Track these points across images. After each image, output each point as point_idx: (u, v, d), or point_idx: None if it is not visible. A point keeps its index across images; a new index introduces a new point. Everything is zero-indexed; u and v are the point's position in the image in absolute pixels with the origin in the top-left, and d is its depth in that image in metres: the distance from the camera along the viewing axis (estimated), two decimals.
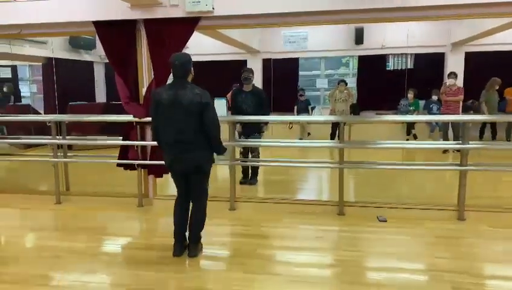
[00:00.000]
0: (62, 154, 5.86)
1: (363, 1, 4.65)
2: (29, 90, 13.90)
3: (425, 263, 3.67)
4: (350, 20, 5.61)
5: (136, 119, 5.14)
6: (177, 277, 3.51)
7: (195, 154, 3.59)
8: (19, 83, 13.26)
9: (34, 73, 13.72)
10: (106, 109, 10.71)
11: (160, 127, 3.63)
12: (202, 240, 3.89)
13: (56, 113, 9.24)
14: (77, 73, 11.50)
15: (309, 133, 10.74)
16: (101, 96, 13.12)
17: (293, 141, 8.14)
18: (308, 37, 9.34)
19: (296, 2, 4.77)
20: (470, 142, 4.64)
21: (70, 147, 5.92)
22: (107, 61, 12.44)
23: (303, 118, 10.43)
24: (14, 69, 12.59)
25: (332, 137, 9.72)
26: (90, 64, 12.68)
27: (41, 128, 8.81)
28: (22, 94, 13.27)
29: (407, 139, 9.99)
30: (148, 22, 5.02)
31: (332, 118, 8.94)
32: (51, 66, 10.81)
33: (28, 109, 10.70)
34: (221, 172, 6.88)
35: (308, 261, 3.76)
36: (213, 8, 4.81)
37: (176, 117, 3.51)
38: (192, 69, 3.66)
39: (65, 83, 10.91)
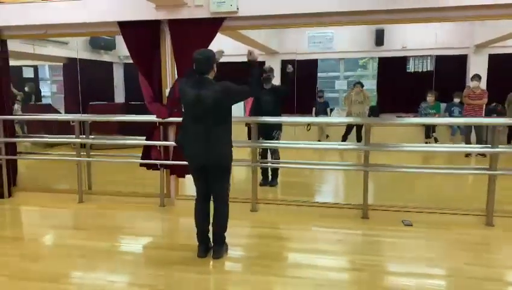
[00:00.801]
0: (85, 153, 5.89)
1: (387, 2, 4.58)
2: (49, 90, 14.12)
3: (454, 269, 3.56)
4: (374, 20, 5.51)
5: (160, 120, 5.14)
6: (200, 278, 3.50)
7: (217, 149, 3.57)
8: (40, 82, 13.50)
9: (53, 73, 13.93)
10: (125, 109, 10.81)
11: (185, 120, 3.64)
12: (226, 241, 3.86)
13: (76, 113, 9.35)
14: (97, 73, 11.61)
15: (327, 135, 10.65)
16: (119, 96, 13.24)
17: (316, 143, 8.07)
18: (334, 37, 9.27)
19: (321, 3, 4.72)
20: (500, 146, 4.54)
21: (89, 146, 5.94)
22: (126, 62, 12.89)
23: (321, 119, 10.34)
24: (35, 69, 12.80)
25: (344, 139, 9.65)
26: (109, 64, 12.81)
27: (62, 127, 8.96)
28: (42, 94, 13.50)
29: (427, 142, 9.85)
30: (172, 23, 5.03)
31: (354, 120, 8.84)
32: (72, 66, 10.96)
33: (49, 108, 10.86)
34: (241, 174, 6.86)
35: (333, 265, 3.71)
36: (237, 9, 4.79)
37: (198, 115, 3.50)
38: (214, 65, 3.64)
39: (85, 83, 11.03)
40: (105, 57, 12.44)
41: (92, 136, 5.89)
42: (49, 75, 13.97)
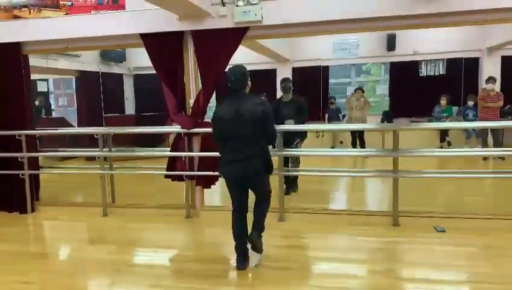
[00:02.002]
0: (108, 166, 5.86)
1: (403, 8, 4.58)
2: (57, 104, 14.20)
3: (496, 276, 3.48)
4: (393, 26, 5.54)
5: (184, 130, 5.13)
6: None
7: (254, 162, 3.56)
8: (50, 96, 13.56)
9: (60, 86, 14.01)
10: (138, 120, 10.83)
11: (224, 141, 3.62)
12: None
13: (89, 125, 9.37)
14: (108, 85, 11.65)
15: (341, 142, 10.61)
16: (130, 108, 13.26)
17: (344, 150, 8.03)
18: (360, 43, 9.23)
19: (344, 10, 4.71)
20: None
21: (105, 158, 5.93)
22: (136, 73, 12.91)
23: (331, 126, 10.23)
24: (47, 82, 12.87)
25: (354, 145, 9.63)
26: (119, 76, 12.84)
27: (74, 140, 8.97)
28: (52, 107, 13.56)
29: (441, 147, 9.80)
30: (196, 33, 5.04)
31: (373, 126, 8.79)
32: (84, 79, 11.00)
33: (61, 122, 10.87)
34: None
35: (367, 274, 3.66)
36: (262, 18, 4.79)
37: (238, 130, 3.49)
38: (249, 80, 3.64)
39: (97, 95, 11.08)
40: (116, 69, 12.48)
41: (115, 149, 5.85)
42: (62, 88, 14.05)
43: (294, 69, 11.72)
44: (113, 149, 5.85)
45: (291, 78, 11.54)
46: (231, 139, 3.55)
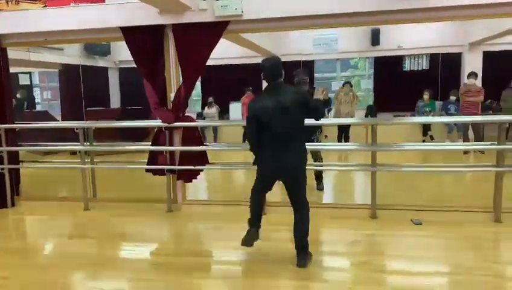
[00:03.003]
0: (89, 160, 5.84)
1: (387, 3, 4.62)
2: (42, 97, 14.04)
3: (466, 267, 3.57)
4: (375, 21, 5.58)
5: (165, 125, 5.12)
6: (215, 282, 3.50)
7: (295, 160, 3.51)
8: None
9: (44, 79, 13.85)
10: (122, 114, 10.76)
11: (265, 134, 3.51)
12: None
13: (73, 119, 9.27)
14: (93, 79, 11.53)
15: (326, 136, 10.68)
16: (115, 101, 13.17)
17: (323, 144, 8.10)
18: (343, 38, 9.25)
19: (324, 5, 4.74)
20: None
21: (87, 152, 5.88)
22: (121, 66, 12.82)
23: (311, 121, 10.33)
24: (29, 75, 12.69)
25: (339, 139, 9.71)
26: (104, 70, 12.73)
27: (58, 134, 8.87)
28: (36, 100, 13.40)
29: (423, 141, 9.94)
30: (176, 27, 5.02)
31: (354, 121, 8.85)
32: (68, 72, 10.88)
33: (45, 115, 10.76)
34: (248, 176, 6.86)
35: (347, 266, 3.72)
36: (242, 12, 4.79)
37: (283, 121, 3.42)
38: (283, 71, 3.57)
39: (81, 88, 10.96)
40: (101, 63, 12.37)
41: (96, 143, 5.82)
42: (38, 81, 13.87)
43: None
44: (94, 143, 5.82)
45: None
46: (272, 132, 3.46)
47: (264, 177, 3.68)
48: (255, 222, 3.78)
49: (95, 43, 11.10)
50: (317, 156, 5.92)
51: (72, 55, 10.79)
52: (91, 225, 5.08)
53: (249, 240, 3.71)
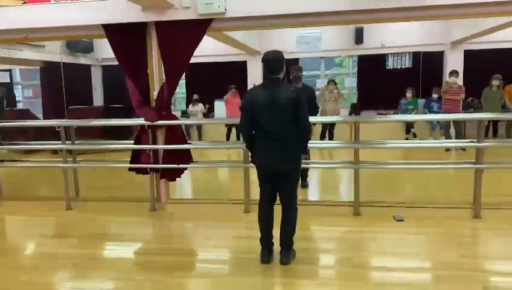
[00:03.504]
0: (71, 159, 5.76)
1: (370, 2, 4.66)
2: (23, 95, 13.79)
3: (445, 262, 3.63)
4: (357, 20, 5.65)
5: (148, 123, 5.08)
6: (199, 281, 3.49)
7: (290, 154, 3.50)
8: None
9: (26, 77, 13.60)
10: (105, 112, 10.65)
11: (257, 128, 3.52)
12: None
13: (55, 118, 9.13)
14: (75, 76, 11.36)
15: (312, 134, 10.72)
16: (98, 99, 13.02)
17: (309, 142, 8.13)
18: (326, 36, 9.28)
19: (308, 3, 4.76)
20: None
21: (69, 151, 5.80)
22: (105, 64, 12.67)
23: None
24: (9, 73, 12.44)
25: (322, 138, 9.76)
26: (87, 67, 12.57)
27: (40, 133, 8.73)
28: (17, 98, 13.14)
29: (407, 138, 10.07)
30: (159, 25, 4.98)
31: (337, 119, 8.93)
32: (49, 70, 10.70)
33: (26, 114, 10.58)
34: (232, 174, 6.86)
35: (331, 262, 3.76)
36: (225, 10, 4.78)
37: (274, 116, 3.42)
38: (284, 67, 3.54)
39: (63, 86, 10.79)
40: (83, 60, 12.21)
41: (78, 142, 5.75)
42: (20, 78, 13.61)
43: None
44: (76, 142, 5.74)
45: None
46: (266, 126, 3.46)
47: (261, 173, 3.64)
48: (265, 242, 3.68)
49: (77, 40, 10.94)
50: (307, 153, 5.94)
51: (54, 52, 10.61)
52: (73, 225, 5.02)
53: (264, 259, 3.65)
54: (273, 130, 3.44)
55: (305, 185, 6.18)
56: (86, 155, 7.51)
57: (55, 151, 8.25)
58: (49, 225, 5.05)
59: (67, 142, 5.55)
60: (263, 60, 3.51)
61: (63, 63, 10.92)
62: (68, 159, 5.68)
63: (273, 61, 3.47)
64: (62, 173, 5.51)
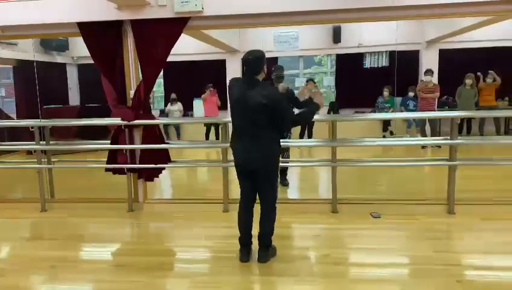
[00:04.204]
0: (46, 160, 5.64)
1: (348, 1, 4.71)
2: None
3: (421, 257, 3.72)
4: (335, 19, 5.62)
5: (125, 123, 5.02)
6: (178, 281, 3.46)
7: (264, 152, 3.46)
8: None
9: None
10: (82, 112, 10.46)
11: (233, 122, 3.55)
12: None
13: (31, 118, 8.92)
14: (50, 75, 11.12)
15: (291, 132, 10.77)
16: (74, 99, 12.77)
17: (287, 141, 8.19)
18: (304, 36, 9.33)
19: (285, 2, 4.77)
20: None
21: (44, 151, 5.67)
22: (81, 62, 12.43)
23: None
24: None
25: (301, 136, 9.84)
26: (62, 66, 12.31)
27: (13, 133, 8.52)
28: None
29: (384, 136, 10.24)
30: (135, 23, 4.92)
31: (316, 117, 8.99)
32: (23, 69, 10.44)
33: None
34: (211, 173, 6.83)
35: (310, 260, 3.78)
36: (202, 8, 4.75)
37: (244, 115, 3.43)
38: (265, 67, 3.50)
39: (37, 85, 10.54)
40: (58, 59, 11.95)
41: (53, 142, 5.63)
42: None
43: None
44: (51, 142, 5.62)
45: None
46: (239, 125, 3.49)
47: (237, 170, 3.64)
48: (243, 241, 3.69)
49: (52, 38, 10.71)
50: (284, 152, 5.99)
51: (27, 50, 10.36)
52: (48, 227, 4.92)
53: (242, 258, 3.67)
54: (246, 130, 3.46)
55: (285, 184, 6.21)
56: (61, 156, 7.36)
57: (29, 152, 8.08)
58: (24, 228, 4.93)
59: (41, 142, 5.43)
60: (243, 60, 3.51)
61: (37, 61, 10.70)
62: (43, 160, 5.56)
63: (252, 62, 3.43)
64: (37, 174, 5.40)
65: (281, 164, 5.82)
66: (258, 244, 3.68)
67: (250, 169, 3.54)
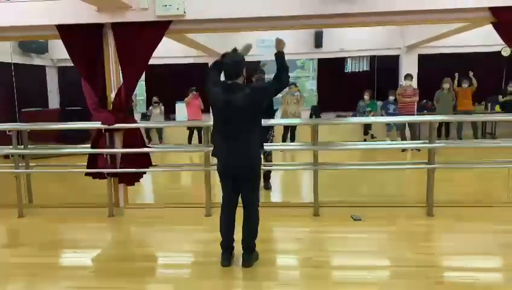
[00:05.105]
0: (24, 164, 5.53)
1: (326, 7, 4.77)
2: None
3: (400, 259, 3.77)
4: (314, 25, 5.70)
5: (105, 126, 4.96)
6: (159, 287, 3.44)
7: (247, 157, 3.48)
8: None
9: None
10: (62, 115, 10.30)
11: (216, 128, 3.54)
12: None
13: (8, 121, 8.75)
14: (28, 78, 10.91)
15: (273, 135, 10.80)
16: (54, 102, 12.56)
17: (269, 145, 8.21)
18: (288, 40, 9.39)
19: (267, 7, 4.81)
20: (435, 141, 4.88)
21: (23, 156, 5.56)
22: (60, 65, 12.24)
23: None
24: None
25: (284, 139, 9.90)
26: (42, 68, 12.10)
27: None
28: None
29: (365, 140, 10.37)
30: (116, 26, 4.88)
31: (297, 121, 9.07)
32: (0, 71, 10.21)
33: None
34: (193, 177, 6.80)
35: (292, 263, 3.80)
36: (184, 12, 4.74)
37: (230, 120, 3.41)
38: (244, 70, 3.51)
39: (17, 88, 10.35)
40: (37, 61, 11.74)
41: (31, 146, 5.52)
42: None
43: None
44: (30, 146, 5.52)
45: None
46: (223, 129, 3.47)
47: (220, 175, 3.64)
48: (226, 245, 3.68)
49: (31, 40, 10.51)
50: (267, 156, 6.01)
51: (4, 52, 10.14)
52: (26, 233, 4.82)
53: (224, 262, 3.65)
54: (229, 134, 3.46)
55: (268, 187, 6.23)
56: (41, 160, 7.23)
57: (7, 156, 7.91)
58: (0, 234, 4.81)
59: (19, 146, 5.32)
60: (223, 63, 3.51)
61: (15, 63, 10.51)
62: (21, 165, 5.44)
63: (231, 66, 3.45)
64: (14, 179, 5.28)
65: (264, 168, 5.93)
66: (242, 248, 3.67)
67: (235, 173, 3.55)
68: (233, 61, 3.46)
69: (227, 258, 3.65)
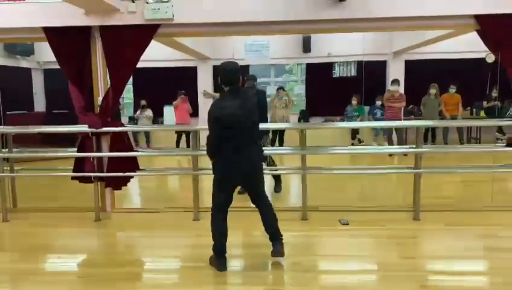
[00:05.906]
0: (8, 168, 5.44)
1: (315, 12, 4.81)
2: None
3: (387, 263, 3.79)
4: (303, 30, 5.77)
5: (92, 130, 4.92)
6: None
7: (258, 157, 3.69)
8: None
9: None
10: (48, 118, 10.18)
11: (226, 139, 3.49)
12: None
13: None
14: (13, 80, 10.78)
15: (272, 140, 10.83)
16: (40, 105, 12.40)
17: None
18: (275, 45, 9.44)
19: (256, 12, 4.83)
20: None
21: (7, 159, 5.48)
22: (46, 68, 12.10)
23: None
24: None
25: (272, 144, 9.90)
26: (27, 71, 11.95)
27: None
28: None
29: (352, 144, 10.43)
30: (104, 29, 4.85)
31: (285, 126, 9.09)
32: None
33: None
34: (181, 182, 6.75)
35: (280, 267, 3.80)
36: (173, 16, 4.74)
37: (245, 127, 3.50)
38: (240, 77, 3.59)
39: (1, 91, 10.20)
40: (23, 63, 11.60)
41: (16, 150, 5.45)
42: None
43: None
44: (14, 150, 5.44)
45: (212, 77, 11.61)
46: (235, 136, 3.47)
47: (224, 183, 3.64)
48: (223, 251, 3.70)
49: (16, 42, 10.38)
50: (268, 159, 6.04)
51: None
52: (10, 238, 4.75)
53: (222, 267, 3.65)
54: (245, 138, 3.53)
55: (277, 191, 6.26)
56: (26, 164, 7.11)
57: None
58: None
59: (3, 150, 5.24)
60: (222, 71, 3.56)
61: (0, 66, 10.37)
62: (5, 168, 5.36)
63: (232, 72, 3.53)
64: None
65: (274, 172, 6.08)
66: (270, 239, 3.75)
67: (245, 179, 3.68)
68: (232, 68, 3.55)
69: (224, 263, 3.67)
